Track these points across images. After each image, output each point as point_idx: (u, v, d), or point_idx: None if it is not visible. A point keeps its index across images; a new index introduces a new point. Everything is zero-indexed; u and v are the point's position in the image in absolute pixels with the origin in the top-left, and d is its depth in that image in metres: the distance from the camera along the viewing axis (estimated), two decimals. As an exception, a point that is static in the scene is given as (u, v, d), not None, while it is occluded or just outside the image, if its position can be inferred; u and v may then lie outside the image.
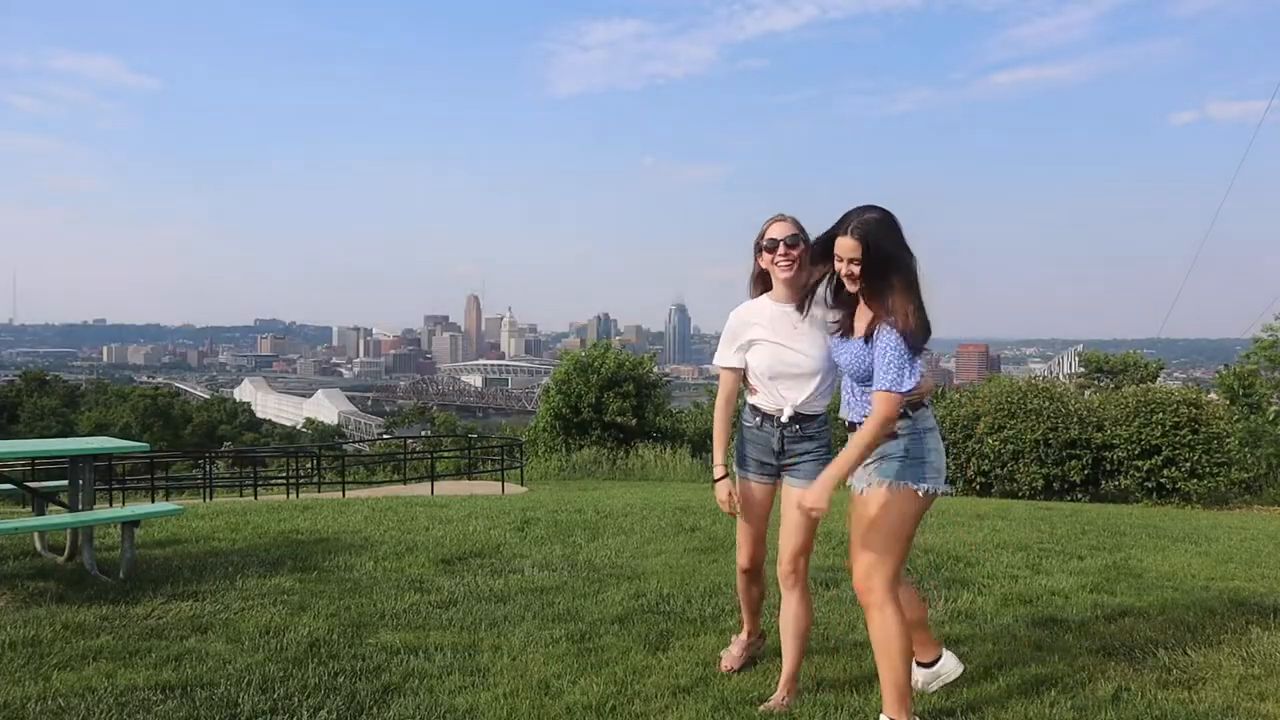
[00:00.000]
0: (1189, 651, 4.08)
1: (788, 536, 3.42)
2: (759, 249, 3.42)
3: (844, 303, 3.26)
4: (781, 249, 3.34)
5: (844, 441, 3.17)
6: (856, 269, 3.03)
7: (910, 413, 3.14)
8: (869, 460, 3.15)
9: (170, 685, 3.47)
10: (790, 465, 3.46)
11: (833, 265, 3.15)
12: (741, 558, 3.63)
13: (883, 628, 3.06)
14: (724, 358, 3.51)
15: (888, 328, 2.99)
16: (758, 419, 3.48)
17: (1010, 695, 3.48)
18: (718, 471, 3.52)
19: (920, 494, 3.11)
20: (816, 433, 3.44)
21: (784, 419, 3.41)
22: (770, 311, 3.42)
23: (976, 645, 4.11)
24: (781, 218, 3.40)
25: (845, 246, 3.03)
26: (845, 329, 3.22)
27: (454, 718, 3.23)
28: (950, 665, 3.51)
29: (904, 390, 2.96)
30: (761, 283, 3.49)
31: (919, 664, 3.47)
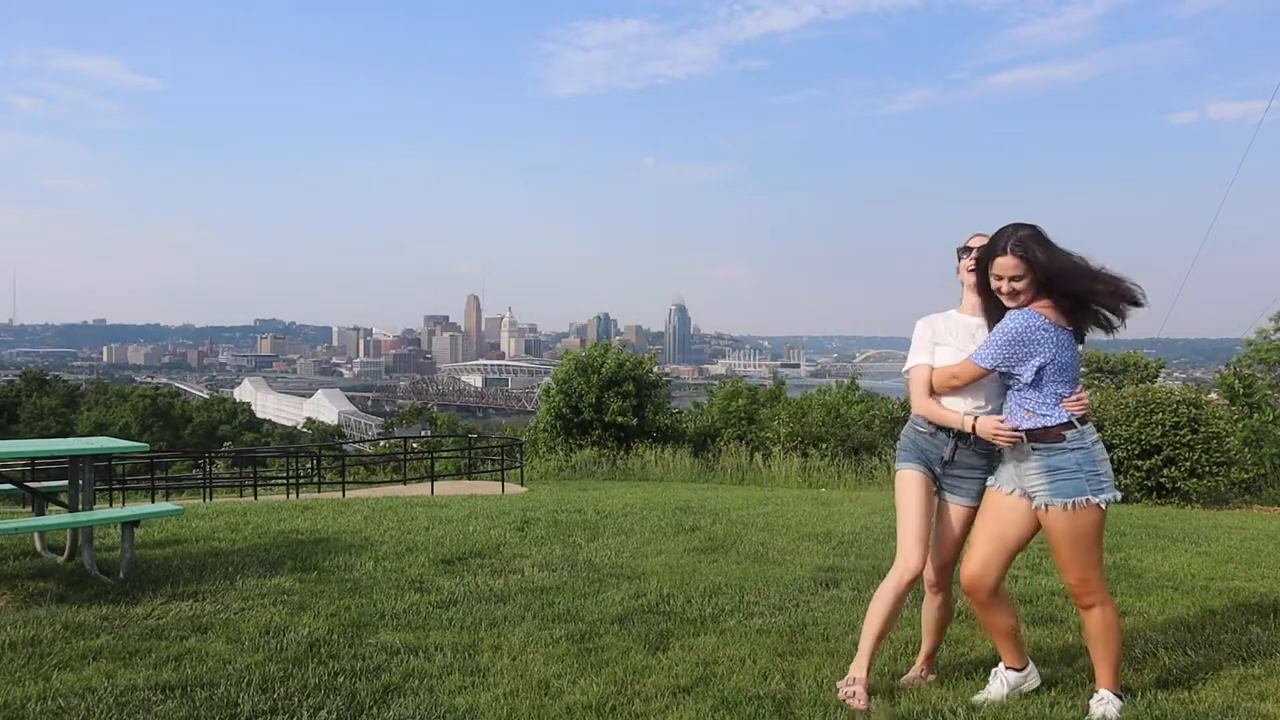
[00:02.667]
0: (1189, 651, 4.08)
1: (943, 549, 3.53)
2: (960, 257, 3.55)
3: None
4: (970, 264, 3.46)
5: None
6: (1019, 285, 3.17)
7: (1078, 423, 3.23)
8: (1037, 471, 3.27)
9: (170, 685, 3.47)
10: (956, 478, 3.48)
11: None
12: (911, 561, 3.40)
13: (1103, 623, 3.32)
14: (920, 359, 3.50)
15: (1030, 310, 3.20)
16: (932, 427, 3.44)
17: (1010, 695, 3.48)
18: (966, 423, 3.37)
19: (1101, 505, 3.25)
20: (989, 450, 3.43)
21: (973, 412, 3.38)
22: (959, 323, 3.50)
23: (976, 645, 4.11)
24: (980, 234, 3.46)
25: (1005, 266, 3.17)
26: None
27: (454, 718, 3.23)
28: (1034, 677, 3.55)
29: (985, 365, 3.25)
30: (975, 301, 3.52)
31: (1009, 668, 3.50)
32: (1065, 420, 3.23)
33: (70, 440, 6.97)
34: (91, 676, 3.56)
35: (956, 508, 3.49)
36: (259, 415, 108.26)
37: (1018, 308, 3.19)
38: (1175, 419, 14.14)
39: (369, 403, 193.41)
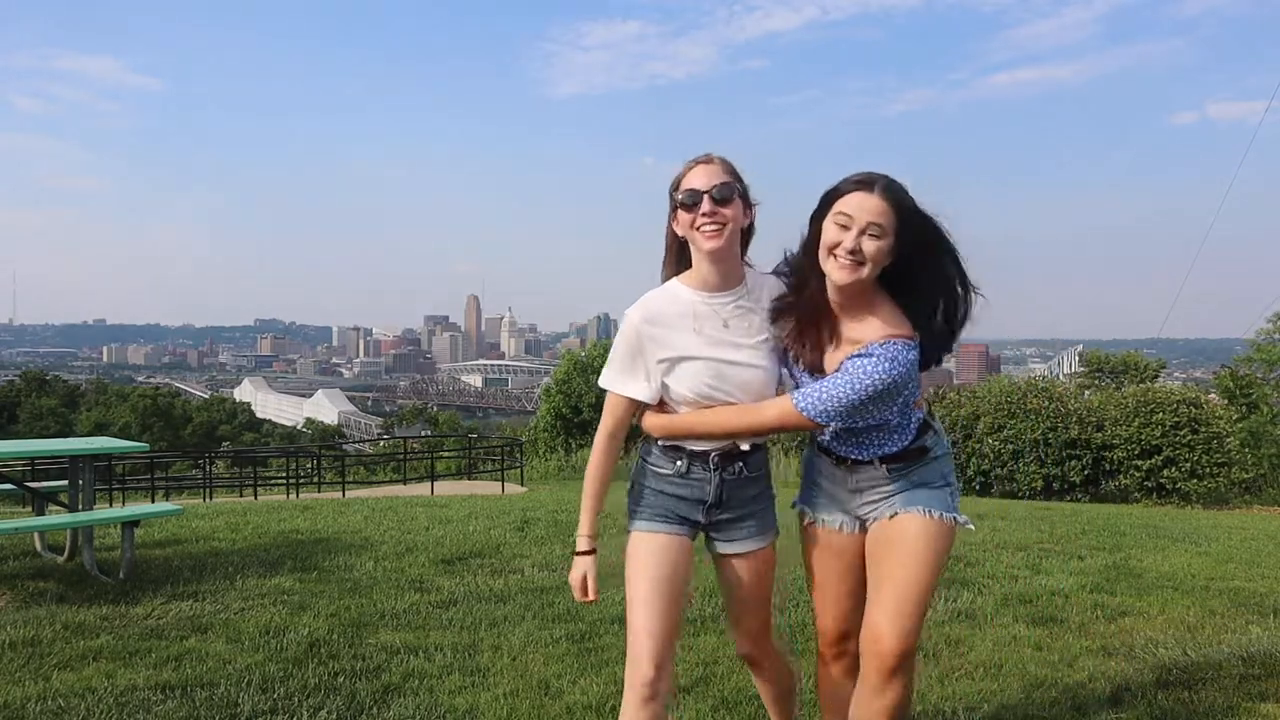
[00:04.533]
0: (1189, 652, 4.08)
1: (744, 616, 2.56)
2: (674, 206, 2.36)
3: (806, 304, 2.36)
4: (706, 205, 2.27)
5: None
6: (875, 245, 2.18)
7: (932, 421, 2.49)
8: (888, 492, 2.44)
9: (170, 685, 3.47)
10: (727, 522, 2.46)
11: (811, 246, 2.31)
12: (641, 671, 2.32)
13: (901, 701, 2.38)
14: (620, 382, 2.40)
15: (899, 341, 2.23)
16: (680, 462, 2.41)
17: (1010, 695, 3.48)
18: (583, 543, 2.48)
19: (957, 528, 2.45)
20: (760, 472, 2.49)
21: (743, 447, 2.42)
22: (691, 306, 2.36)
23: (976, 645, 4.11)
24: (707, 159, 2.35)
25: (870, 207, 2.18)
26: (809, 346, 2.37)
27: (454, 718, 3.23)
28: None
29: (825, 421, 2.27)
30: (678, 259, 2.43)
31: None
32: (921, 420, 2.44)
33: (70, 440, 6.98)
34: (91, 676, 3.56)
35: (741, 560, 2.48)
36: (259, 415, 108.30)
37: (847, 280, 2.21)
38: (1175, 419, 14.13)
39: (369, 403, 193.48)
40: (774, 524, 2.53)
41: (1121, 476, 14.46)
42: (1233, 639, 4.32)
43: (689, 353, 2.35)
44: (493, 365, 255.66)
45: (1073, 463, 14.50)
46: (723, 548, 2.50)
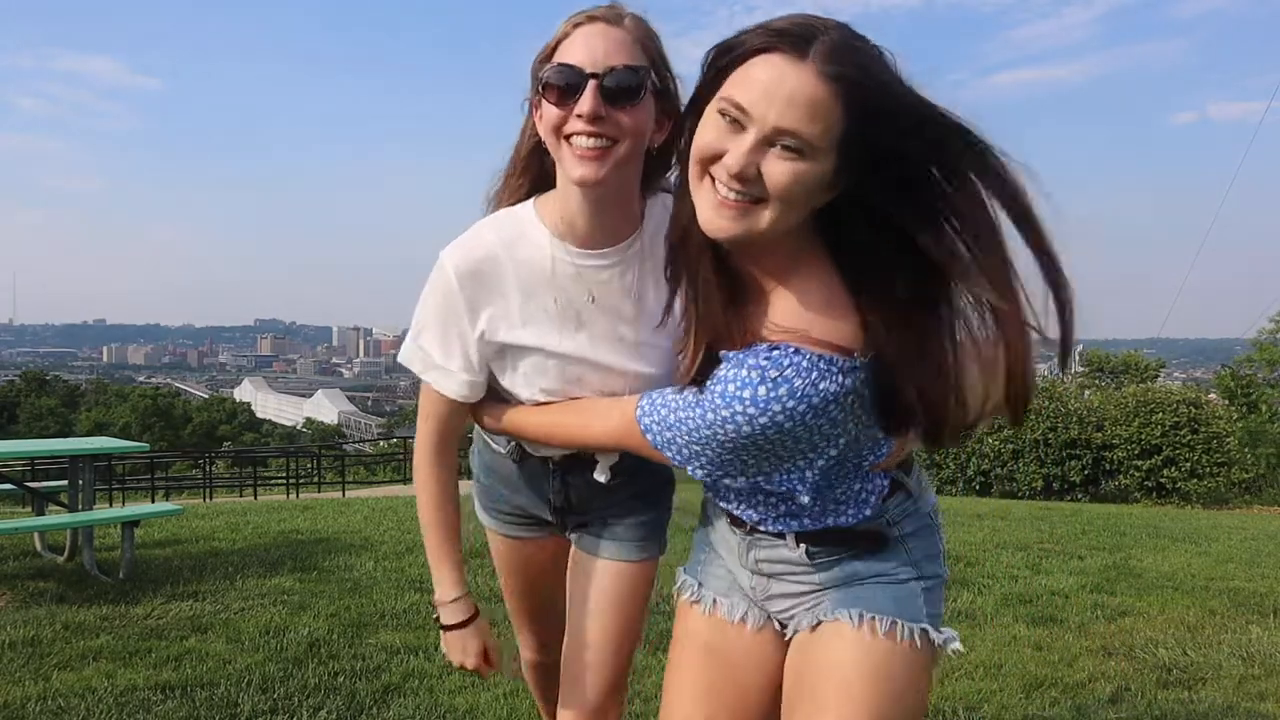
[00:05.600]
0: (1189, 651, 4.08)
1: (582, 654, 1.81)
2: (536, 87, 1.48)
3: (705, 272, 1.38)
4: (588, 102, 1.39)
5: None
6: (801, 168, 1.19)
7: (905, 479, 1.51)
8: (820, 582, 1.50)
9: (170, 685, 3.47)
10: (583, 525, 1.87)
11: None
12: (528, 647, 2.13)
13: None
14: (432, 368, 1.63)
15: (804, 352, 1.27)
16: (513, 443, 1.81)
17: (1010, 695, 3.48)
18: (452, 612, 1.73)
19: (938, 647, 1.47)
20: (637, 475, 1.81)
21: (600, 479, 1.77)
22: (550, 263, 1.55)
23: (977, 645, 4.11)
24: (609, 16, 1.46)
25: (788, 90, 1.17)
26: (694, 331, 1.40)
27: (454, 718, 3.23)
28: None
29: (674, 460, 1.45)
30: (530, 178, 1.61)
31: None
32: (884, 486, 1.48)
33: (70, 440, 6.98)
34: (91, 676, 3.56)
35: (598, 567, 1.83)
36: (259, 415, 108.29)
37: (726, 231, 1.25)
38: (1175, 419, 14.14)
39: (369, 403, 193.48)
40: (659, 539, 1.87)
41: (1121, 476, 14.47)
42: (1233, 639, 4.32)
43: (531, 342, 1.57)
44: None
45: (1073, 463, 14.51)
46: (585, 548, 1.86)
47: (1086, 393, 19.93)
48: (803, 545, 1.49)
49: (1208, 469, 13.88)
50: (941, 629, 1.47)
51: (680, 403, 1.38)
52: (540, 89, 1.45)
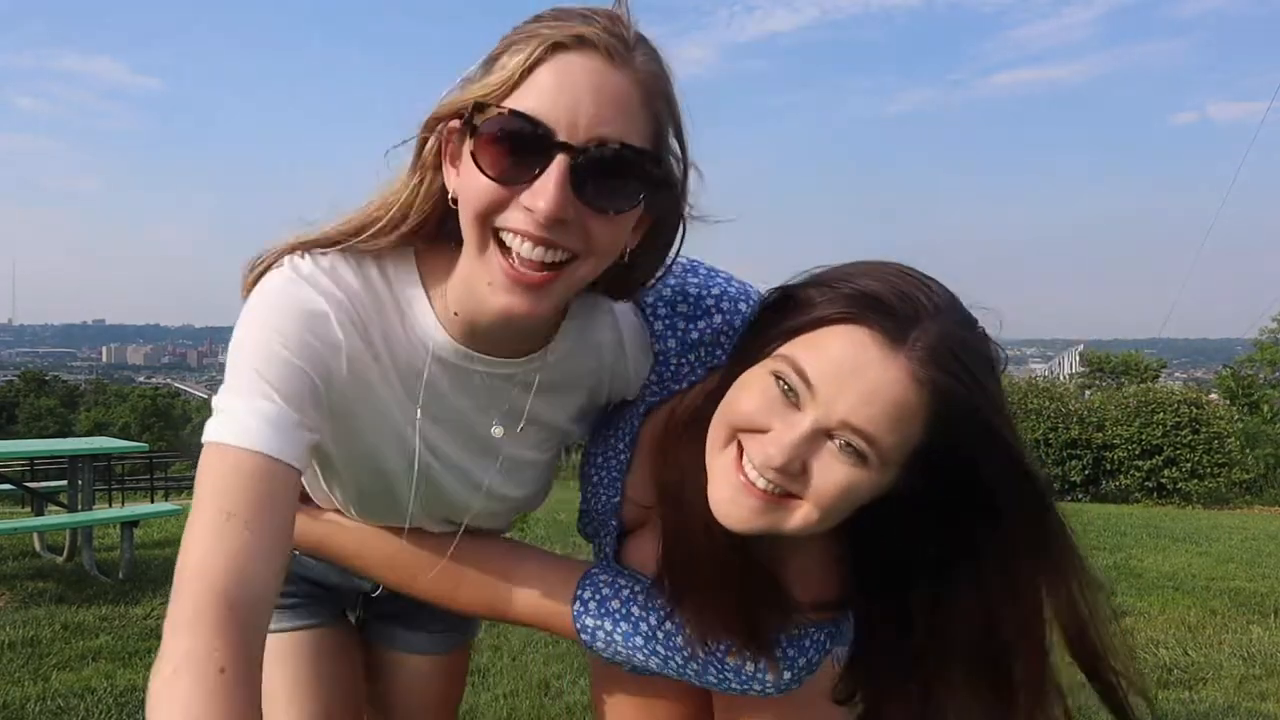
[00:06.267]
0: (1190, 651, 4.08)
1: None
2: (466, 134, 0.95)
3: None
4: (553, 194, 0.89)
5: None
6: (860, 476, 0.97)
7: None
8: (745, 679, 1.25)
9: (170, 685, 3.46)
10: (391, 616, 1.52)
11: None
12: None
13: None
14: (259, 434, 0.95)
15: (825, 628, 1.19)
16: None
17: (1011, 695, 3.48)
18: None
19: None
20: None
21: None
22: (427, 353, 1.10)
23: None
24: (605, 49, 0.92)
25: (872, 386, 0.94)
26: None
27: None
28: None
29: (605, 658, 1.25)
30: (430, 224, 1.06)
31: None
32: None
33: (69, 440, 6.98)
34: (91, 677, 3.55)
35: (414, 660, 1.55)
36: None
37: (743, 524, 1.01)
38: (1176, 419, 14.13)
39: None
40: (461, 626, 1.57)
41: (1122, 476, 14.46)
42: (1234, 639, 4.32)
43: (404, 445, 1.13)
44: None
45: (1073, 463, 14.50)
46: (390, 643, 1.54)
47: (1087, 393, 19.95)
48: None
49: (1208, 469, 13.87)
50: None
51: (650, 630, 1.13)
52: (473, 142, 0.92)
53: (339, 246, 1.03)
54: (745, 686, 1.14)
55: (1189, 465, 13.91)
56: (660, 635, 1.13)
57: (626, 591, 1.16)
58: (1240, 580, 5.82)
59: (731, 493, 0.98)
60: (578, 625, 1.16)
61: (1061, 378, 28.54)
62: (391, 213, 1.02)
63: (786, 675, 1.13)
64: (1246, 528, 9.15)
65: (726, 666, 1.12)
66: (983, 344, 1.00)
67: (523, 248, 0.91)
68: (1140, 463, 14.15)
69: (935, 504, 1.00)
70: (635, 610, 1.15)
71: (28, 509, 8.41)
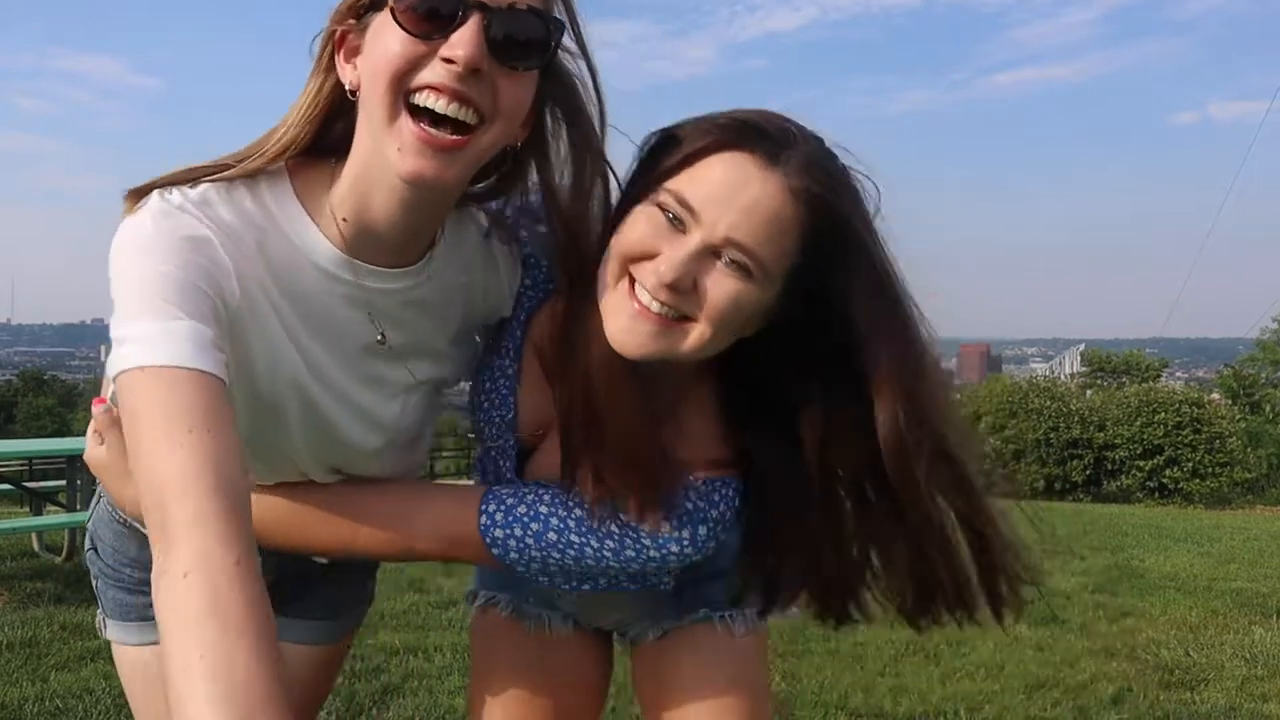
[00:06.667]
0: (1191, 652, 4.07)
1: None
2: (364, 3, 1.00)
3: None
4: (468, 44, 0.92)
5: None
6: (745, 289, 1.01)
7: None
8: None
9: (168, 686, 3.45)
10: (277, 602, 1.07)
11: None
12: None
13: None
14: (184, 352, 0.91)
15: (724, 481, 1.19)
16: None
17: (1012, 696, 3.46)
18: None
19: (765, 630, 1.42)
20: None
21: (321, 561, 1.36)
22: (318, 279, 1.07)
23: (978, 645, 4.10)
24: None
25: (750, 198, 1.00)
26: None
27: (454, 718, 3.22)
28: None
29: (523, 574, 1.21)
30: (302, 142, 1.04)
31: None
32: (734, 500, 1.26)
33: (68, 440, 6.96)
34: (89, 677, 3.54)
35: (293, 653, 1.40)
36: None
37: (640, 349, 1.04)
38: (1178, 419, 14.15)
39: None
40: (344, 612, 1.49)
41: (1124, 476, 14.46)
42: (1235, 639, 4.31)
43: (295, 375, 1.10)
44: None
45: (1075, 462, 14.51)
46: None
47: (1088, 393, 19.95)
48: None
49: (1210, 469, 13.89)
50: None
51: (560, 523, 1.12)
52: (390, 7, 0.95)
53: (216, 176, 1.02)
54: (663, 551, 1.14)
55: (1190, 465, 13.92)
56: (571, 524, 1.13)
57: (531, 495, 1.16)
58: (1242, 580, 5.81)
59: (627, 321, 1.02)
60: (487, 540, 1.13)
61: (1062, 378, 28.54)
62: (287, 128, 1.03)
63: (702, 530, 1.14)
64: (1248, 528, 9.14)
65: (641, 535, 1.12)
66: (849, 173, 1.06)
67: (437, 104, 0.94)
68: (1142, 462, 14.16)
69: (811, 335, 1.07)
70: (542, 509, 1.14)
71: (26, 509, 8.41)
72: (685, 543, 1.13)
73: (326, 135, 1.04)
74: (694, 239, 0.99)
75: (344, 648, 1.53)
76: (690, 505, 1.13)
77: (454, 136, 0.95)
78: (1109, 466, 14.67)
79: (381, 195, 1.01)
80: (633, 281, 1.02)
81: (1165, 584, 5.61)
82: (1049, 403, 15.03)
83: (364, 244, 1.05)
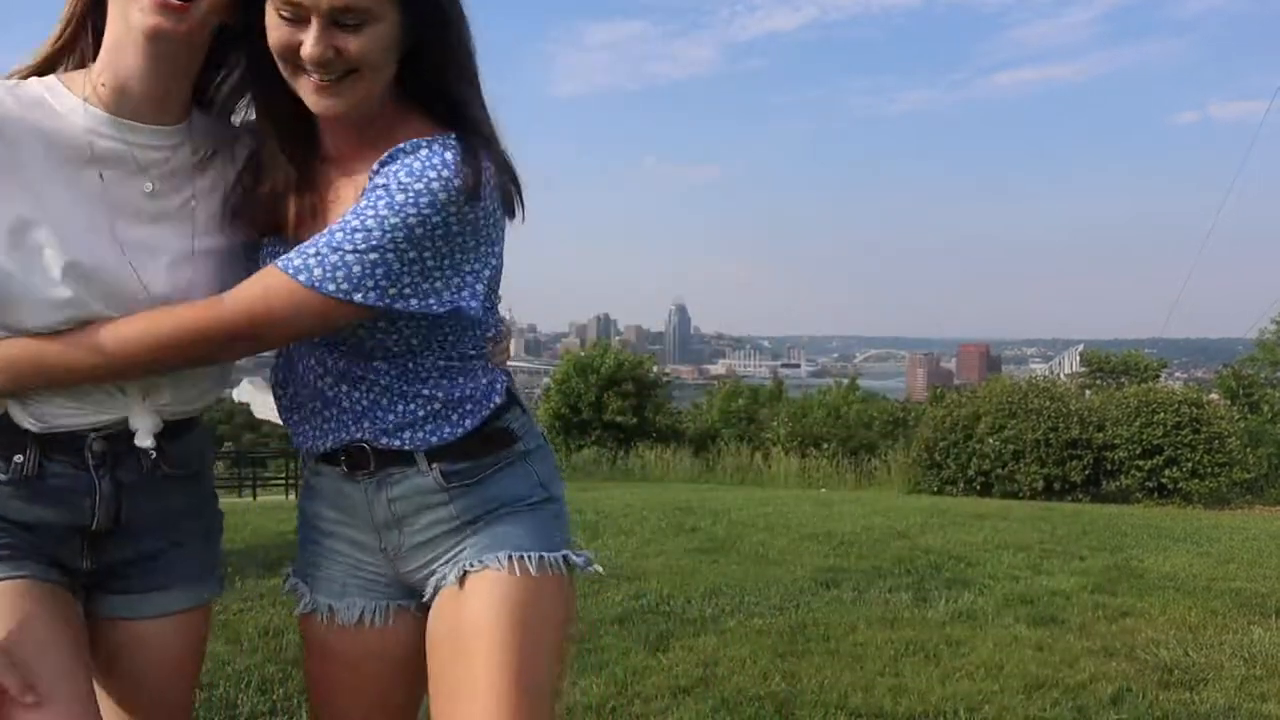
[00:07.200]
0: (1190, 652, 4.07)
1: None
2: None
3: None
4: None
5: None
6: (371, 35, 1.20)
7: (518, 396, 1.43)
8: (415, 511, 1.35)
9: (169, 686, 3.46)
10: (126, 564, 1.32)
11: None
12: None
13: None
14: None
15: (427, 147, 1.25)
16: (21, 457, 1.22)
17: (1011, 696, 3.47)
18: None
19: (572, 573, 1.42)
20: (196, 467, 1.41)
21: (144, 445, 1.26)
22: (85, 135, 1.20)
23: (977, 646, 4.10)
24: None
25: None
26: (273, 211, 1.32)
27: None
28: None
29: (336, 292, 1.19)
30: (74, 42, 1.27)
31: None
32: (503, 393, 1.39)
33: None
34: (90, 677, 3.55)
35: (151, 632, 1.35)
36: (258, 416, 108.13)
37: (331, 107, 1.24)
38: (1177, 419, 14.14)
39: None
40: (216, 564, 1.48)
41: (1123, 477, 14.46)
42: (1234, 639, 4.32)
43: (61, 221, 1.16)
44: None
45: (1074, 463, 14.50)
46: (120, 610, 1.32)
47: (1088, 393, 19.94)
48: (435, 466, 1.33)
49: (1209, 469, 13.88)
50: (578, 552, 1.42)
51: (341, 224, 1.22)
52: None
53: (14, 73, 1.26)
54: (421, 183, 1.24)
55: (1190, 465, 13.91)
56: (351, 218, 1.23)
57: (310, 242, 1.25)
58: (1241, 581, 5.82)
59: (315, 96, 1.23)
60: (290, 270, 1.21)
61: (1062, 378, 28.55)
62: (59, 33, 1.26)
63: (449, 154, 1.26)
64: (1247, 528, 9.15)
65: (392, 189, 1.23)
66: None
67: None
68: (1141, 463, 14.15)
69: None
70: (320, 234, 1.24)
71: None
72: (439, 166, 1.24)
73: (86, 41, 1.26)
74: (313, 24, 1.18)
75: (207, 615, 1.50)
76: (424, 144, 1.27)
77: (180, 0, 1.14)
78: (1108, 467, 14.67)
79: (130, 54, 1.19)
80: (295, 68, 1.22)
81: (1164, 584, 5.62)
82: (1048, 403, 15.02)
83: (124, 102, 1.21)
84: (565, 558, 1.38)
